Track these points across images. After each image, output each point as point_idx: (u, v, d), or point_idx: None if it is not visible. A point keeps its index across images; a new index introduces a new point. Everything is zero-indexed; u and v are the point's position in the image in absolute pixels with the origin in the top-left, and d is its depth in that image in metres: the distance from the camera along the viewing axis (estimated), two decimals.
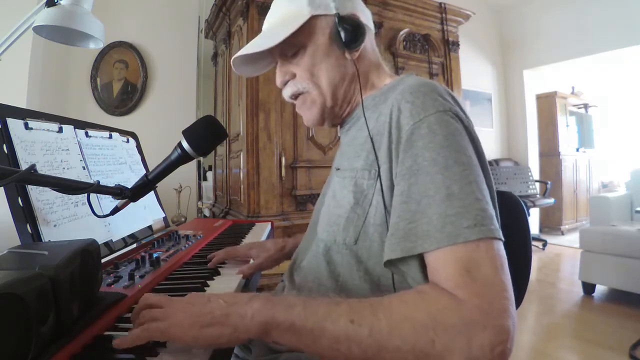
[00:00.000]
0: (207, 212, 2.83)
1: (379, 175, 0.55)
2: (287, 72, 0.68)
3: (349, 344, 0.41)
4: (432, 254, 0.45)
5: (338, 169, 0.67)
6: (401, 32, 2.76)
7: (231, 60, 0.71)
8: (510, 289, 0.41)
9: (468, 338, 0.38)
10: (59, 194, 0.73)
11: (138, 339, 0.44)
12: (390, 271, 0.53)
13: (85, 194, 0.59)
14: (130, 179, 1.05)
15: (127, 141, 1.18)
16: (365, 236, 0.56)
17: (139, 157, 1.21)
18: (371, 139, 0.59)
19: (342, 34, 0.63)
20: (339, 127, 0.75)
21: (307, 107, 0.69)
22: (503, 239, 0.45)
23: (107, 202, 0.89)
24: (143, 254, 0.80)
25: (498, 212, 0.54)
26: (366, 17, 0.69)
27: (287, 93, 0.69)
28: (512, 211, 0.71)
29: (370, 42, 0.70)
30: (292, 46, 0.66)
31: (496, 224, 0.45)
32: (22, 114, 0.76)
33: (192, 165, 2.85)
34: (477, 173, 0.48)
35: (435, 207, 0.46)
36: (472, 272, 0.41)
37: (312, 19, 0.64)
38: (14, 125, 0.72)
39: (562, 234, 4.55)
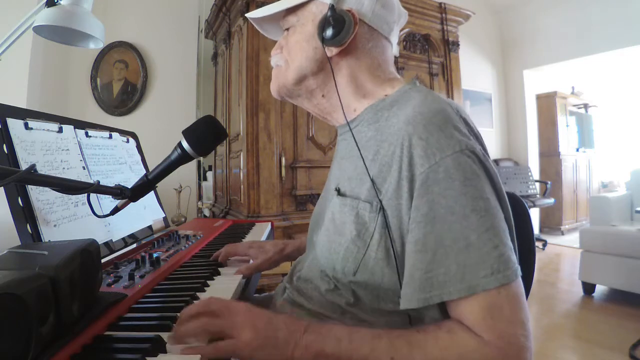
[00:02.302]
0: (207, 212, 2.83)
1: (380, 208, 0.54)
2: (279, 46, 0.71)
3: None
4: (454, 303, 0.48)
5: (338, 192, 0.63)
6: (401, 32, 2.76)
7: (246, 15, 0.75)
8: (528, 324, 0.46)
9: None
10: (59, 194, 0.73)
11: (206, 354, 0.46)
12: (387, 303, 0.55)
13: (85, 194, 0.59)
14: (130, 179, 1.05)
15: (127, 141, 1.18)
16: (365, 269, 0.55)
17: (139, 157, 1.21)
18: (370, 178, 0.56)
19: (324, 27, 0.61)
20: (338, 128, 0.74)
21: (274, 77, 0.72)
22: (520, 274, 0.47)
23: (107, 202, 0.89)
24: (143, 254, 0.80)
25: (516, 243, 0.53)
26: (380, 19, 0.64)
27: (271, 62, 0.73)
28: (514, 212, 0.71)
29: (374, 46, 0.65)
30: (287, 22, 0.69)
31: (513, 264, 0.47)
32: (22, 114, 0.76)
33: (192, 165, 2.84)
34: (494, 215, 0.48)
35: (453, 257, 0.47)
36: (495, 317, 0.45)
37: (310, 3, 0.65)
38: (14, 125, 0.72)
39: (562, 234, 4.55)
